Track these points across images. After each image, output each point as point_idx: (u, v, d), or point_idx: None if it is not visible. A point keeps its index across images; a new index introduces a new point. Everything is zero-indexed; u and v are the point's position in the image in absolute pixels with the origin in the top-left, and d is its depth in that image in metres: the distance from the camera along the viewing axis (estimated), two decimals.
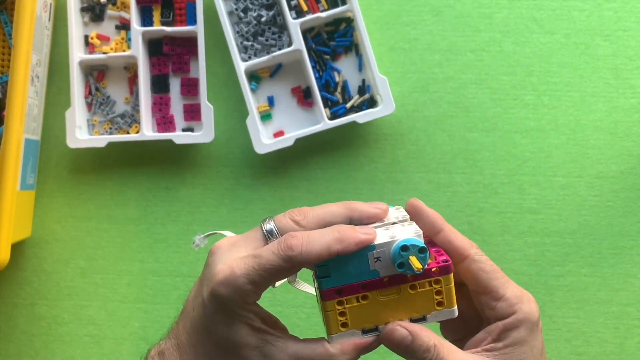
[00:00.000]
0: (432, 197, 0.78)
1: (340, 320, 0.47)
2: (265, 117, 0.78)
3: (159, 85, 0.78)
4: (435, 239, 0.47)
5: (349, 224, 0.46)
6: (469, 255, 0.46)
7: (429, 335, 0.45)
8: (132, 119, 0.79)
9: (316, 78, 0.77)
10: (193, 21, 0.77)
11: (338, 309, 0.47)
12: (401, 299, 0.46)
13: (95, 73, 0.79)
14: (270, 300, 0.77)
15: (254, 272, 0.44)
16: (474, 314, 0.50)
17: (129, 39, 0.78)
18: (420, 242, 0.44)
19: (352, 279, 0.46)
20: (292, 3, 0.77)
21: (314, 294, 0.52)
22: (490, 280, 0.45)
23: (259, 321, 0.46)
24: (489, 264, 0.46)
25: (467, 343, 0.48)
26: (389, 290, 0.47)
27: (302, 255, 0.43)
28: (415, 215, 0.48)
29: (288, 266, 0.44)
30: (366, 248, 0.45)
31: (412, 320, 0.47)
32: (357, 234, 0.44)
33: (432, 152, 0.78)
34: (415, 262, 0.44)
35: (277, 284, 0.49)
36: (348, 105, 0.77)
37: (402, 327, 0.46)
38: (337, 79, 0.78)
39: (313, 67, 0.76)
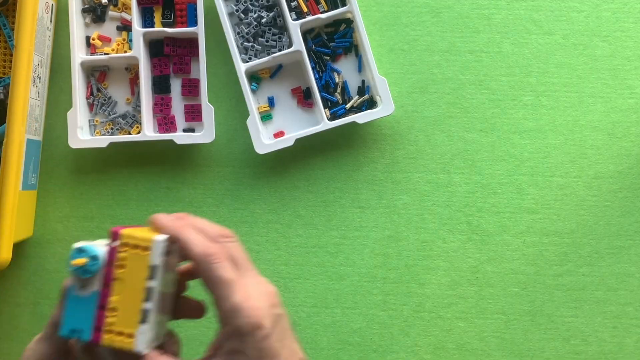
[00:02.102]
0: (431, 197, 0.78)
1: (128, 339, 0.48)
2: (266, 117, 0.79)
3: (160, 86, 0.79)
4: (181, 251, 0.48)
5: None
6: (200, 263, 0.46)
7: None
8: (133, 120, 0.79)
9: (316, 79, 0.77)
10: (194, 22, 0.78)
11: (117, 335, 0.48)
12: (122, 282, 0.49)
13: (97, 74, 0.79)
14: None
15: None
16: None
17: (130, 40, 0.78)
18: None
19: (87, 315, 0.48)
20: (292, 4, 0.77)
21: None
22: (215, 291, 0.46)
23: None
24: (217, 273, 0.46)
25: (209, 344, 0.48)
26: (115, 288, 0.49)
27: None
28: (158, 230, 0.49)
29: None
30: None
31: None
32: None
33: (431, 153, 0.79)
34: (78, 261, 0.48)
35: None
36: (348, 105, 0.78)
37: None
38: (336, 79, 0.78)
39: (313, 68, 0.77)
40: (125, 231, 0.49)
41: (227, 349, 0.45)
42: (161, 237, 0.48)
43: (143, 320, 0.48)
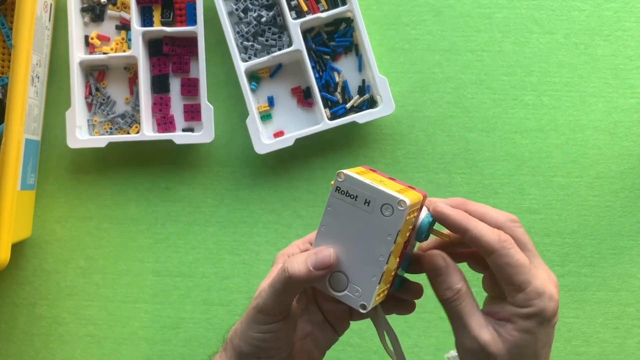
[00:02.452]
0: (432, 197, 0.78)
1: (359, 172, 0.49)
2: (265, 117, 0.78)
3: (159, 86, 0.79)
4: (463, 239, 0.49)
5: None
6: (494, 251, 0.47)
7: (460, 278, 0.50)
8: (132, 119, 0.79)
9: (316, 78, 0.77)
10: (193, 21, 0.77)
11: (365, 171, 0.50)
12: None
13: (96, 73, 0.79)
14: None
15: (264, 293, 0.49)
16: None
17: (129, 39, 0.78)
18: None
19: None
20: (292, 3, 0.77)
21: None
22: (513, 276, 0.47)
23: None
24: (515, 258, 0.47)
25: (489, 307, 0.51)
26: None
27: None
28: (440, 221, 0.50)
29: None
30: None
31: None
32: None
33: (432, 152, 0.78)
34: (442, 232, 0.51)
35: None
36: (348, 105, 0.77)
37: (442, 258, 0.49)
38: (337, 79, 0.78)
39: (313, 68, 0.77)
40: (360, 168, 0.50)
41: (523, 327, 0.47)
42: (346, 172, 0.48)
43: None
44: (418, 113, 0.79)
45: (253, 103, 0.76)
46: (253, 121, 0.75)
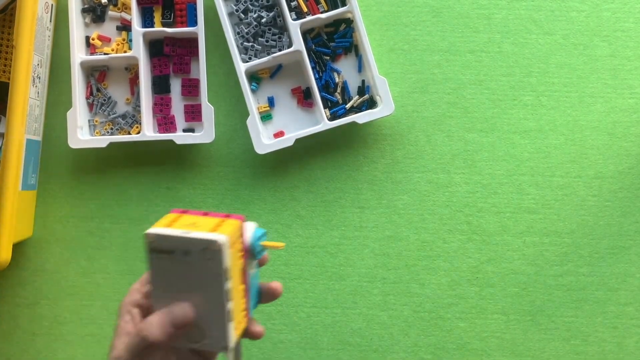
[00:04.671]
0: (432, 197, 0.78)
1: (167, 223, 0.49)
2: (266, 117, 0.79)
3: (160, 86, 0.79)
4: None
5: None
6: None
7: None
8: (133, 120, 0.79)
9: (316, 79, 0.77)
10: (194, 22, 0.78)
11: (174, 217, 0.50)
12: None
13: (97, 74, 0.79)
14: None
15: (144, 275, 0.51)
16: None
17: (130, 40, 0.78)
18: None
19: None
20: (292, 4, 0.77)
21: None
22: None
23: (131, 324, 0.50)
24: None
25: None
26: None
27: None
28: None
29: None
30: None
31: None
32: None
33: (432, 153, 0.79)
34: (272, 244, 0.52)
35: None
36: (348, 105, 0.78)
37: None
38: (336, 79, 0.78)
39: (313, 68, 0.77)
40: (168, 215, 0.50)
41: None
42: (153, 231, 0.47)
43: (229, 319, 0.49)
44: (417, 113, 0.79)
45: (253, 103, 0.76)
46: (253, 121, 0.76)
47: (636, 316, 0.77)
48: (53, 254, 0.79)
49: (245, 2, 0.78)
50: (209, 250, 0.46)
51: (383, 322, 0.78)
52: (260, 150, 0.75)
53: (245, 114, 0.76)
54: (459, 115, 0.79)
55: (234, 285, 0.48)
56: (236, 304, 0.48)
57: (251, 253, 0.50)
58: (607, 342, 0.77)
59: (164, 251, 0.47)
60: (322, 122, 0.76)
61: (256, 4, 0.78)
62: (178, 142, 0.76)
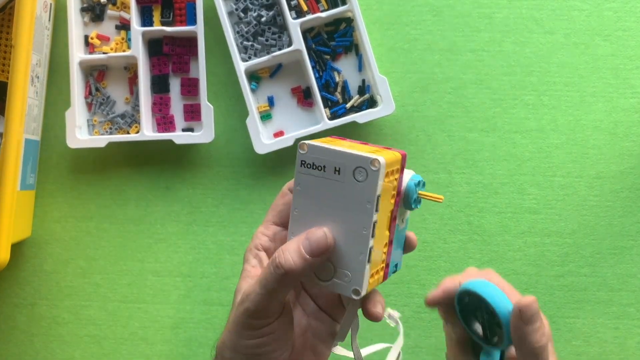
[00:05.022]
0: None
1: (325, 141, 0.44)
2: (265, 117, 0.78)
3: (159, 86, 0.79)
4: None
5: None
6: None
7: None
8: (132, 119, 0.79)
9: (316, 78, 0.77)
10: (193, 21, 0.77)
11: (333, 139, 0.46)
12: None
13: (96, 73, 0.79)
14: None
15: (265, 217, 0.48)
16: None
17: (129, 39, 0.78)
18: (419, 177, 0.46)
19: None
20: (292, 3, 0.77)
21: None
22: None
23: (259, 269, 0.47)
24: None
25: None
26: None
27: (289, 185, 0.46)
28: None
29: (285, 196, 0.47)
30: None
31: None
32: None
33: (432, 152, 0.78)
34: (431, 195, 0.45)
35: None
36: (348, 105, 0.77)
37: (536, 302, 0.46)
38: (337, 79, 0.78)
39: (313, 67, 0.76)
40: (328, 138, 0.45)
41: None
42: (307, 142, 0.43)
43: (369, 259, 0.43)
44: (418, 113, 0.79)
45: (253, 103, 0.76)
46: (253, 121, 0.75)
47: (638, 317, 0.77)
48: (51, 254, 0.79)
49: (244, 1, 0.78)
50: (365, 170, 0.40)
51: (383, 322, 0.77)
52: (260, 150, 0.75)
53: (245, 113, 0.76)
54: (459, 114, 0.79)
55: (380, 224, 0.42)
56: (377, 248, 0.43)
57: (405, 199, 0.44)
58: (608, 342, 0.77)
59: (315, 166, 0.42)
60: (322, 121, 0.75)
61: (256, 2, 0.78)
62: (177, 141, 0.76)
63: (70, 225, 0.79)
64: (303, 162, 0.42)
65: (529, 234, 0.78)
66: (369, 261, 0.42)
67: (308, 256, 0.42)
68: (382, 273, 0.45)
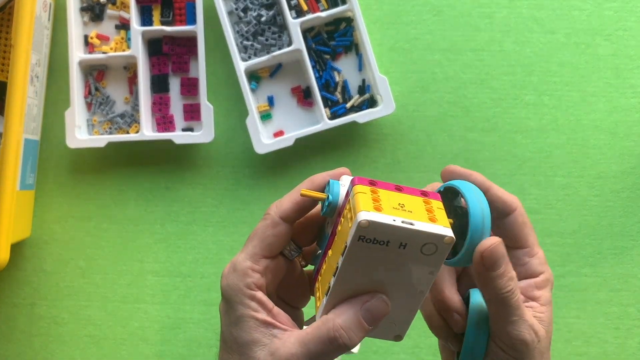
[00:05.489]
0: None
1: (374, 204, 0.41)
2: (265, 117, 0.78)
3: (159, 85, 0.78)
4: (485, 195, 0.46)
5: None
6: (516, 209, 0.47)
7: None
8: (131, 119, 0.79)
9: (316, 78, 0.76)
10: (193, 21, 0.77)
11: (371, 194, 0.42)
12: (338, 239, 0.43)
13: (95, 73, 0.79)
14: None
15: (250, 247, 0.45)
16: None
17: (129, 39, 0.78)
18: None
19: None
20: (292, 3, 0.77)
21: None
22: (529, 236, 0.47)
23: (264, 312, 0.44)
24: (529, 220, 0.48)
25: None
26: (335, 241, 0.44)
27: (279, 212, 0.44)
28: (459, 178, 0.48)
29: (276, 227, 0.44)
30: None
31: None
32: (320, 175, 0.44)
33: (433, 152, 0.78)
34: (310, 193, 0.45)
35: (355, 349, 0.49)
36: (348, 105, 0.77)
37: (503, 245, 0.44)
38: (337, 78, 0.78)
39: (313, 67, 0.76)
40: (358, 188, 0.41)
41: (547, 299, 0.46)
42: (367, 217, 0.39)
43: (327, 292, 0.42)
44: (418, 113, 0.79)
45: (253, 103, 0.76)
46: (253, 121, 0.75)
47: (638, 317, 0.77)
48: (51, 254, 0.78)
49: (244, 0, 0.78)
50: (434, 245, 0.39)
51: None
52: (260, 149, 0.75)
53: (245, 113, 0.76)
54: (460, 114, 0.78)
55: None
56: None
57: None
58: (609, 343, 0.77)
59: (376, 241, 0.39)
60: (322, 121, 0.75)
61: (256, 2, 0.78)
62: (177, 141, 0.76)
63: (69, 225, 0.79)
64: (362, 238, 0.39)
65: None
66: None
67: (369, 327, 0.41)
68: None
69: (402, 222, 0.39)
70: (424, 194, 0.43)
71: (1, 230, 0.68)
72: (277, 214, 0.45)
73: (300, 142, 0.76)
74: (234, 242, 0.78)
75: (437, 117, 0.78)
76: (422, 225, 0.39)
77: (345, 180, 0.45)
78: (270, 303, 0.44)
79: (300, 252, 0.48)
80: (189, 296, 0.78)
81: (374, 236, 0.39)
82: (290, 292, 0.49)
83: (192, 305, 0.78)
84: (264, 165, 0.79)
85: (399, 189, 0.43)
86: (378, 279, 0.41)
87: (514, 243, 0.48)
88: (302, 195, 0.44)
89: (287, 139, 0.75)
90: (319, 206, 0.46)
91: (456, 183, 0.45)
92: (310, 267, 0.49)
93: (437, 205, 0.42)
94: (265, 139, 0.76)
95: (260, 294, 0.44)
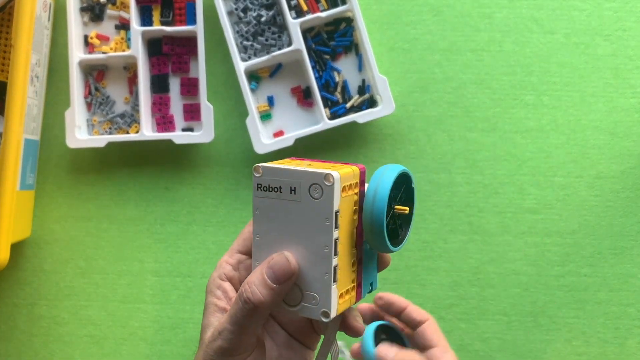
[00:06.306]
0: (432, 197, 0.78)
1: (282, 162, 0.43)
2: (265, 117, 0.78)
3: (159, 85, 0.78)
4: (401, 314, 0.64)
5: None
6: (426, 320, 0.63)
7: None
8: (131, 119, 0.79)
9: (316, 78, 0.76)
10: (193, 21, 0.77)
11: (293, 159, 0.44)
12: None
13: (95, 73, 0.79)
14: None
15: (231, 245, 0.46)
16: None
17: (129, 39, 0.78)
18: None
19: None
20: (292, 3, 0.77)
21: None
22: (440, 339, 0.62)
23: (224, 300, 0.45)
24: (439, 329, 0.63)
25: None
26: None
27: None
28: (386, 305, 0.65)
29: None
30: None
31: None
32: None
33: (432, 152, 0.78)
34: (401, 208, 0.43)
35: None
36: (348, 105, 0.77)
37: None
38: (337, 78, 0.78)
39: (313, 67, 0.76)
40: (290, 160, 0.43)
41: None
42: (261, 164, 0.41)
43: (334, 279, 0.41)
44: (418, 113, 0.79)
45: (253, 103, 0.76)
46: (253, 121, 0.75)
47: (638, 317, 0.77)
48: (51, 254, 0.78)
49: (244, 0, 0.78)
50: (318, 186, 0.39)
51: None
52: (260, 150, 0.75)
53: (245, 113, 0.76)
54: (460, 114, 0.78)
55: (343, 241, 0.41)
56: (343, 266, 0.41)
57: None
58: (609, 343, 0.77)
59: (271, 188, 0.41)
60: (322, 121, 0.75)
61: (256, 2, 0.78)
62: (177, 141, 0.76)
63: (69, 225, 0.79)
64: (259, 186, 0.41)
65: (529, 234, 0.78)
66: (334, 281, 0.40)
67: (274, 285, 0.41)
68: (353, 293, 0.43)
69: (291, 167, 0.40)
70: (346, 163, 0.44)
71: (1, 230, 0.68)
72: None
73: (300, 142, 0.76)
74: None
75: (437, 117, 0.78)
76: (307, 169, 0.40)
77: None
78: (234, 293, 0.45)
79: None
80: (189, 296, 0.78)
81: (268, 183, 0.41)
82: (297, 328, 0.48)
83: (192, 305, 0.78)
84: None
85: (323, 161, 0.44)
86: (287, 237, 0.41)
87: (429, 344, 0.61)
88: None
89: (287, 139, 0.75)
90: None
91: (378, 171, 0.45)
92: None
93: (348, 167, 0.42)
94: (265, 139, 0.76)
95: (227, 285, 0.45)
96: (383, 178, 0.42)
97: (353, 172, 0.42)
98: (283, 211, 0.41)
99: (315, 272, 0.41)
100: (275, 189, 0.41)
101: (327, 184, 0.40)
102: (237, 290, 0.45)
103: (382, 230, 0.41)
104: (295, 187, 0.40)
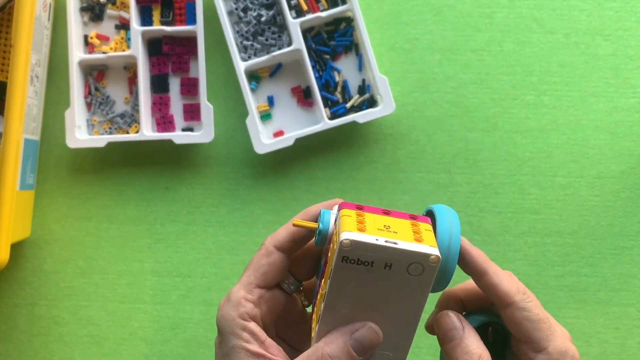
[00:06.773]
0: (432, 197, 0.78)
1: (358, 225, 0.40)
2: (265, 117, 0.78)
3: (159, 85, 0.78)
4: (477, 282, 0.44)
5: None
6: (512, 303, 0.43)
7: (479, 343, 0.43)
8: (131, 119, 0.79)
9: (316, 78, 0.76)
10: (193, 21, 0.77)
11: (357, 216, 0.42)
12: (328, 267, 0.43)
13: (95, 73, 0.79)
14: None
15: (244, 277, 0.45)
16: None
17: (129, 39, 0.78)
18: None
19: None
20: (292, 2, 0.77)
21: None
22: (533, 331, 0.43)
23: (255, 344, 0.43)
24: (534, 312, 0.43)
25: None
26: (326, 270, 0.43)
27: (273, 241, 0.44)
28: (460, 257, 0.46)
29: (270, 256, 0.44)
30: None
31: None
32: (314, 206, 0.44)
33: (433, 152, 0.78)
34: (304, 223, 0.44)
35: None
36: (348, 105, 0.77)
37: (454, 316, 0.43)
38: (337, 78, 0.78)
39: (313, 67, 0.76)
40: (344, 212, 0.41)
41: None
42: (350, 237, 0.39)
43: (318, 320, 0.42)
44: (418, 113, 0.79)
45: (253, 103, 0.76)
46: (253, 121, 0.75)
47: (638, 317, 0.77)
48: (51, 254, 0.78)
49: (244, 0, 0.78)
50: (420, 265, 0.39)
51: None
52: (260, 149, 0.75)
53: (245, 113, 0.76)
54: (460, 114, 0.78)
55: None
56: None
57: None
58: (609, 343, 0.77)
59: (360, 262, 0.39)
60: (322, 121, 0.75)
61: (256, 2, 0.78)
62: (177, 141, 0.76)
63: (69, 225, 0.79)
64: (345, 258, 0.39)
65: (529, 234, 0.78)
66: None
67: (359, 357, 0.41)
68: None
69: (386, 241, 0.39)
70: (413, 217, 0.42)
71: (1, 230, 0.68)
72: (272, 243, 0.45)
73: (300, 142, 0.76)
74: (234, 242, 0.78)
75: (437, 117, 0.78)
76: (407, 244, 0.39)
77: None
78: (263, 334, 0.43)
79: (299, 286, 0.47)
80: (189, 296, 0.78)
81: (357, 257, 0.39)
82: (291, 332, 0.48)
83: (192, 305, 0.78)
84: (264, 165, 0.79)
85: (386, 212, 0.42)
86: (369, 304, 0.41)
87: (518, 336, 0.44)
88: (294, 225, 0.44)
89: (287, 139, 0.75)
90: None
91: (434, 206, 0.45)
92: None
93: (425, 227, 0.41)
94: (265, 139, 0.76)
95: (252, 325, 0.43)
96: (454, 223, 0.43)
97: (433, 236, 0.41)
98: (369, 283, 0.40)
99: (397, 334, 0.41)
100: (366, 263, 0.39)
101: (431, 265, 0.39)
102: (262, 328, 0.44)
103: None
104: (391, 264, 0.39)
